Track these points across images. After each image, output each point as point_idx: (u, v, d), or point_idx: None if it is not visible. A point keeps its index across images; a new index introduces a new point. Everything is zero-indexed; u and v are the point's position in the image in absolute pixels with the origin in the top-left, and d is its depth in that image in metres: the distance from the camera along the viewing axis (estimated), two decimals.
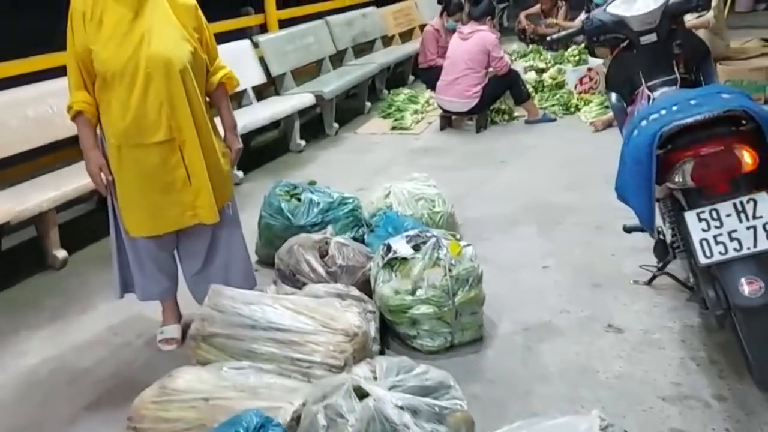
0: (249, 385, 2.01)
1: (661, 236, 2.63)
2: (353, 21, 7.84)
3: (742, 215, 2.02)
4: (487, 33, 5.82)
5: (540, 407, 2.25)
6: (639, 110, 2.42)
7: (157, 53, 2.40)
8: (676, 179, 2.09)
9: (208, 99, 2.68)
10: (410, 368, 1.98)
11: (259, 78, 5.91)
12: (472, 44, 5.76)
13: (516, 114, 6.14)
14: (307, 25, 7.00)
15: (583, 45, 6.69)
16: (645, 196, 2.14)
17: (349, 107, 6.99)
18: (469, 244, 2.73)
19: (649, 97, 2.45)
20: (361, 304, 2.59)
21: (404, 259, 2.64)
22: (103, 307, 3.17)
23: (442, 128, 6.09)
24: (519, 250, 3.46)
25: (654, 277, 2.93)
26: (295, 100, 5.74)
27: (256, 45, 6.05)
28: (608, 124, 5.39)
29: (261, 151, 5.82)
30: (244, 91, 5.68)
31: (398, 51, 8.18)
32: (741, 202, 2.03)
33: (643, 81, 2.51)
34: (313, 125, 6.31)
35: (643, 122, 2.14)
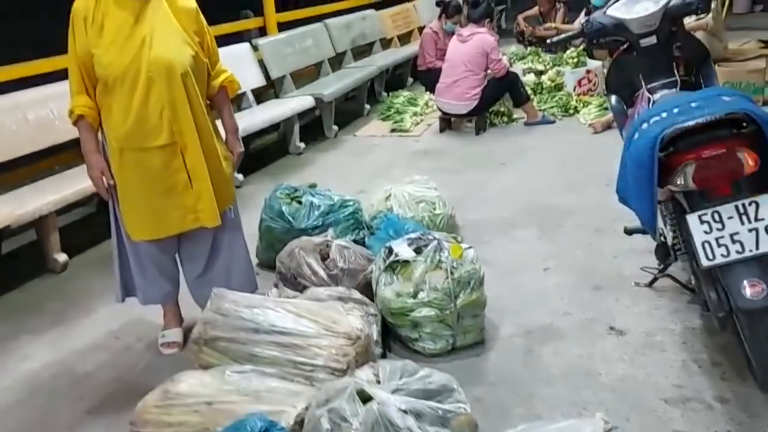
0: (252, 389, 2.01)
1: (663, 238, 2.63)
2: (352, 24, 7.84)
3: (744, 217, 2.03)
4: (486, 35, 5.83)
5: (543, 410, 2.25)
6: (639, 113, 2.43)
7: (159, 57, 2.40)
8: (678, 182, 2.10)
9: (209, 102, 2.68)
10: (413, 371, 1.98)
11: (259, 81, 5.92)
12: (470, 46, 5.77)
13: (515, 116, 6.14)
14: (306, 28, 7.00)
15: (581, 47, 6.70)
16: (647, 198, 2.14)
17: (349, 110, 6.99)
18: (470, 247, 2.73)
19: (649, 99, 2.45)
20: (363, 307, 2.59)
21: (406, 261, 2.64)
22: (104, 310, 3.17)
23: (441, 130, 6.09)
24: (520, 252, 3.46)
25: (655, 279, 2.93)
26: (295, 102, 5.74)
27: (255, 48, 6.06)
28: (607, 126, 5.40)
29: (260, 153, 5.82)
30: (244, 94, 5.69)
31: (397, 53, 8.18)
32: (743, 205, 2.03)
33: (643, 83, 2.51)
34: (313, 128, 6.31)
35: (644, 125, 2.14)
